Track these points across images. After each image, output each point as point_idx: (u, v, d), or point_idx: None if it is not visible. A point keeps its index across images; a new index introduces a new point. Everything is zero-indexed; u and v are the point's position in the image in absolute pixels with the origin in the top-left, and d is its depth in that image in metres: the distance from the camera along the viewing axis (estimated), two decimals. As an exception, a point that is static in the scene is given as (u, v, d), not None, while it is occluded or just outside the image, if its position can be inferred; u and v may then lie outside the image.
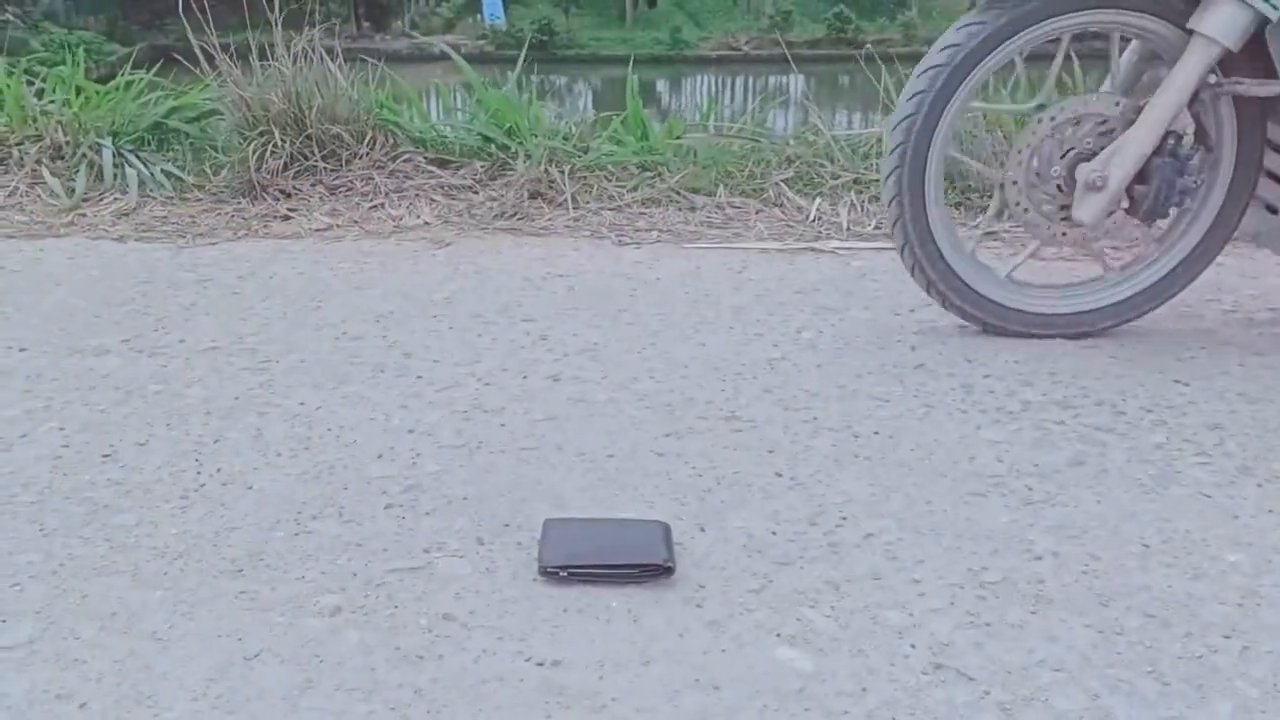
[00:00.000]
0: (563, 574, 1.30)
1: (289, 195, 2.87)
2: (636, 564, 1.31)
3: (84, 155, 2.98)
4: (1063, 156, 1.87)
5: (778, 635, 1.21)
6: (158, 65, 3.43)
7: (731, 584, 1.30)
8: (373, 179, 2.92)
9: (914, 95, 1.86)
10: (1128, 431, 1.66)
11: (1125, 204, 1.88)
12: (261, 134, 2.94)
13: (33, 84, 3.29)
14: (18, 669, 1.16)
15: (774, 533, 1.40)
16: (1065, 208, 1.90)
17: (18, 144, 3.06)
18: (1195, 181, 1.85)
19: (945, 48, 1.84)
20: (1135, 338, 2.00)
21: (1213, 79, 1.82)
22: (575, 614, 1.25)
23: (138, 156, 3.01)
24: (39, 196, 2.88)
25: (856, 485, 1.51)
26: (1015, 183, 1.90)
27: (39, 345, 1.95)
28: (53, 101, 3.20)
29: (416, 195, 2.87)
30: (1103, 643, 1.20)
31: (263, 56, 3.01)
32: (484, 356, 1.91)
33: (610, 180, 2.91)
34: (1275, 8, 1.71)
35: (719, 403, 1.75)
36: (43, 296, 2.19)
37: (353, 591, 1.29)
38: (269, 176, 2.88)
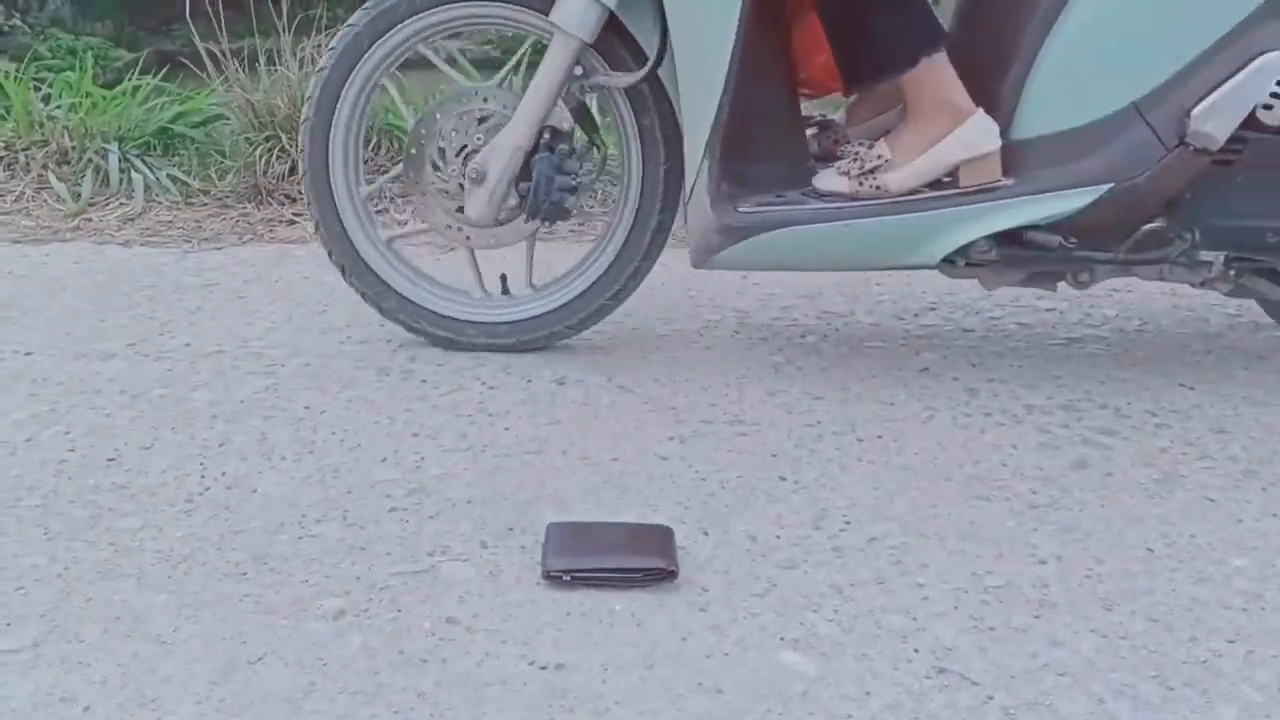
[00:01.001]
0: (566, 578, 1.30)
1: (294, 200, 2.87)
2: (640, 568, 1.31)
3: (90, 160, 2.99)
4: (458, 153, 1.83)
5: (781, 639, 1.22)
6: (164, 70, 3.44)
7: (735, 588, 1.30)
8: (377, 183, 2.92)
9: (309, 97, 1.85)
10: (1132, 435, 1.66)
11: (515, 201, 1.82)
12: (267, 139, 2.94)
13: (40, 89, 3.30)
14: (22, 672, 1.16)
15: (778, 536, 1.41)
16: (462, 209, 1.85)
17: (24, 149, 3.07)
18: (576, 179, 1.80)
19: (330, 49, 1.83)
20: (1138, 342, 2.00)
21: (579, 71, 1.77)
22: (579, 617, 1.25)
23: (144, 161, 3.02)
24: (45, 201, 2.89)
25: (860, 489, 1.51)
26: (410, 176, 1.86)
27: (45, 349, 1.96)
28: (59, 107, 3.21)
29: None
30: (1107, 647, 1.20)
31: (270, 62, 3.02)
32: (488, 360, 1.92)
33: (615, 185, 2.91)
34: None
35: (723, 406, 1.75)
36: (49, 301, 2.20)
37: (356, 595, 1.29)
38: (274, 181, 2.89)
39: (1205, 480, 1.54)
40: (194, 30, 3.13)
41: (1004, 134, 1.68)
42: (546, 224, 1.85)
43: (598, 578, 1.30)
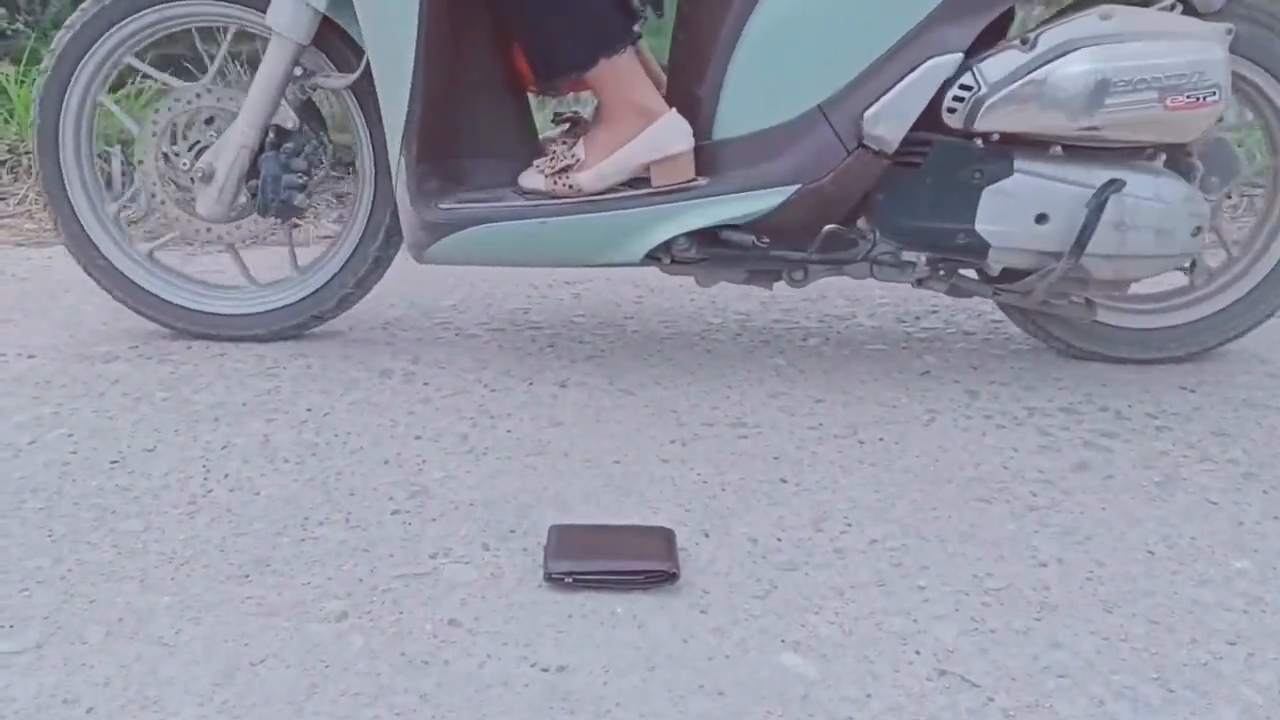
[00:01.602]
0: (568, 580, 1.30)
1: (297, 202, 2.88)
2: (641, 570, 1.31)
3: (93, 163, 3.00)
4: (188, 150, 1.86)
5: (782, 641, 1.22)
6: (166, 73, 3.44)
7: (736, 590, 1.31)
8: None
9: (34, 99, 1.88)
10: (1132, 438, 1.66)
11: (245, 199, 1.86)
12: (269, 142, 2.95)
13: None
14: (25, 673, 1.16)
15: (779, 539, 1.41)
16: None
17: (27, 152, 3.08)
18: (301, 178, 1.82)
19: (50, 51, 1.85)
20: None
21: (301, 70, 1.80)
22: (580, 619, 1.26)
23: (147, 164, 3.02)
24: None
25: (861, 491, 1.52)
26: (144, 167, 1.89)
27: (48, 351, 1.96)
28: (62, 110, 3.21)
29: (423, 202, 2.88)
30: (1107, 649, 1.20)
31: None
32: (490, 363, 1.92)
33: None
34: None
35: (725, 409, 1.75)
36: (52, 303, 2.21)
37: (359, 597, 1.29)
38: (276, 184, 2.89)
39: (1206, 483, 1.54)
40: (195, 33, 3.13)
41: (704, 134, 1.70)
42: (278, 221, 1.89)
43: (599, 580, 1.30)
